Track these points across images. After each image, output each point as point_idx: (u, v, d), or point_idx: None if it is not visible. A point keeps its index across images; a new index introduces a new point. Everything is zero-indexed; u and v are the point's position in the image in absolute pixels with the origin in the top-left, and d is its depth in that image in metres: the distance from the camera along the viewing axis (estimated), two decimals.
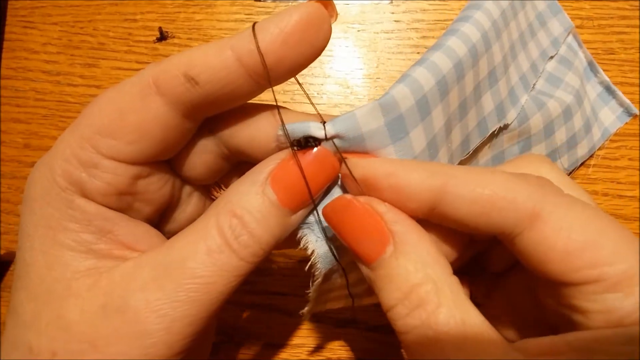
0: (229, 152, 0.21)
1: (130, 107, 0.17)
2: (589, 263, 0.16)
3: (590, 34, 0.41)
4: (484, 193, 0.17)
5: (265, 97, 0.19)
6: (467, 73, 0.25)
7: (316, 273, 0.20)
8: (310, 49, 0.17)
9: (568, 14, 0.41)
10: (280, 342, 0.35)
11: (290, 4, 0.42)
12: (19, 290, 0.18)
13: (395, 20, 0.42)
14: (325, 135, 0.18)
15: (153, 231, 0.20)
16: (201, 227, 0.18)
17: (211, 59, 0.17)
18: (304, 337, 0.35)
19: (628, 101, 0.38)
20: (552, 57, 0.37)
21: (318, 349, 0.35)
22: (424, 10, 0.42)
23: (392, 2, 0.42)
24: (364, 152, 0.19)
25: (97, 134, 0.17)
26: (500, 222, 0.17)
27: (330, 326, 0.35)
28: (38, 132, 0.40)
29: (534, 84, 0.35)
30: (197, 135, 0.20)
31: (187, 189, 0.23)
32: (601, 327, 0.16)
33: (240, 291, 0.35)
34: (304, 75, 0.40)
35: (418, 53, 0.41)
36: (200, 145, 0.21)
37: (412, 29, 0.41)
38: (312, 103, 0.20)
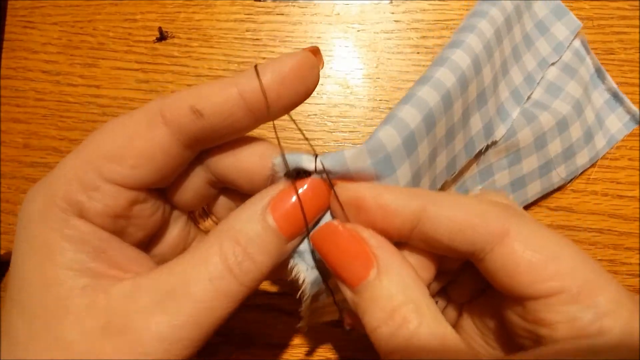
0: (216, 178, 0.22)
1: (137, 134, 0.19)
2: (552, 275, 0.17)
3: (590, 34, 0.41)
4: (459, 213, 0.19)
5: (261, 129, 0.21)
6: (456, 102, 0.25)
7: (304, 297, 0.21)
8: (303, 89, 0.19)
9: None
10: (280, 342, 0.35)
11: (290, 4, 0.42)
12: (14, 309, 0.18)
13: (395, 20, 0.42)
14: (316, 167, 0.20)
15: (143, 255, 0.21)
16: (203, 253, 0.18)
17: (217, 95, 0.19)
18: (303, 337, 0.35)
19: (635, 108, 0.38)
20: (553, 64, 0.37)
21: (318, 349, 0.35)
22: (424, 10, 0.42)
23: (392, 2, 0.42)
24: (351, 179, 0.21)
25: (103, 158, 0.19)
26: (473, 239, 0.18)
27: (329, 326, 0.35)
28: (38, 132, 0.40)
29: (529, 95, 0.35)
30: (189, 164, 0.22)
31: (174, 213, 0.24)
32: (565, 338, 0.17)
33: None
34: None
35: (418, 53, 0.41)
36: (191, 174, 0.22)
37: (412, 29, 0.41)
38: (305, 137, 0.22)
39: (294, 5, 0.42)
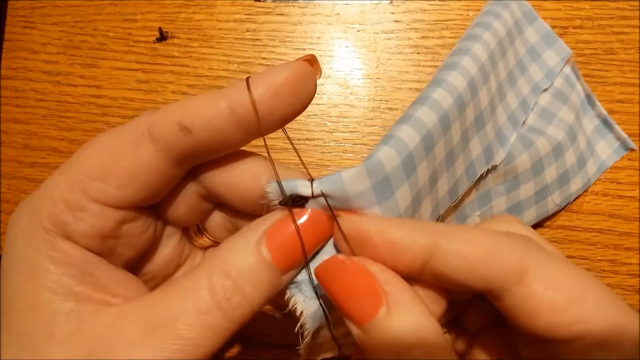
0: (209, 194, 0.21)
1: (122, 153, 0.18)
2: (575, 318, 0.16)
3: (590, 35, 0.41)
4: (472, 249, 0.17)
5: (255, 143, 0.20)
6: (454, 124, 0.25)
7: (305, 332, 0.20)
8: (298, 101, 0.18)
9: (568, 14, 0.41)
10: (279, 342, 0.35)
11: (290, 4, 0.42)
12: (2, 329, 0.17)
13: (395, 21, 0.42)
14: (312, 193, 0.19)
15: (132, 277, 0.20)
16: (192, 286, 0.18)
17: (206, 109, 0.18)
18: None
19: (625, 135, 0.38)
20: (545, 90, 0.37)
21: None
22: (424, 10, 0.42)
23: (392, 3, 0.42)
24: (353, 210, 0.20)
25: (88, 177, 0.18)
26: (489, 278, 0.17)
27: None
28: (38, 133, 0.40)
29: (524, 121, 0.35)
30: (181, 179, 0.21)
31: (167, 230, 0.23)
32: None
33: None
34: None
35: (418, 53, 0.41)
36: (183, 188, 0.21)
37: (412, 29, 0.41)
38: (299, 156, 0.21)
39: (294, 6, 0.42)
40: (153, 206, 0.21)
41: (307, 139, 0.39)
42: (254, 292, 0.18)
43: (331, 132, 0.39)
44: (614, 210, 0.38)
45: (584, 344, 0.16)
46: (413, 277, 0.19)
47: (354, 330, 0.18)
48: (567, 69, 0.39)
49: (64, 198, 0.18)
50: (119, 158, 0.18)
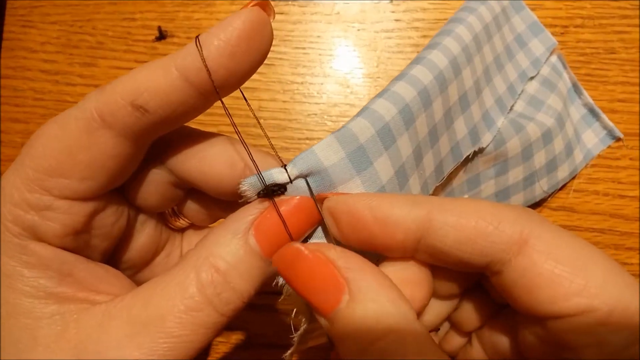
0: (180, 180, 0.21)
1: (78, 145, 0.17)
2: (579, 290, 0.15)
3: (591, 33, 0.41)
4: (469, 220, 0.16)
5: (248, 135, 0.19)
6: (435, 100, 0.25)
7: (302, 321, 0.19)
8: (256, 56, 0.17)
9: (569, 13, 0.41)
10: (278, 342, 0.35)
11: (290, 3, 0.42)
12: None
13: (395, 19, 0.42)
14: (290, 178, 0.18)
15: (113, 271, 0.20)
16: (180, 282, 0.17)
17: (158, 83, 0.16)
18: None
19: (611, 124, 0.38)
20: (532, 78, 0.37)
21: (316, 349, 0.35)
22: (424, 9, 0.42)
23: (392, 1, 0.42)
24: (339, 192, 0.19)
25: (46, 174, 0.17)
26: (487, 250, 0.16)
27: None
28: None
29: (512, 106, 0.35)
30: (149, 165, 0.20)
31: (141, 217, 0.22)
32: None
33: None
34: (303, 75, 0.40)
35: (418, 52, 0.40)
36: (152, 175, 0.20)
37: (413, 28, 0.41)
38: (271, 144, 0.20)
39: (293, 4, 0.42)
40: (123, 194, 0.21)
41: (307, 139, 0.39)
42: (244, 284, 0.17)
43: (331, 132, 0.39)
44: (615, 210, 0.37)
45: (587, 321, 0.15)
46: (409, 256, 0.18)
47: (321, 320, 0.17)
48: (554, 58, 0.39)
49: (25, 199, 0.17)
50: (76, 151, 0.17)
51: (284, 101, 0.39)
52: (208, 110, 0.18)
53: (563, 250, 0.16)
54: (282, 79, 0.40)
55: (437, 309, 0.21)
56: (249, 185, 0.18)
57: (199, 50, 0.16)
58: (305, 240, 0.20)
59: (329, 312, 0.16)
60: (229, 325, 0.37)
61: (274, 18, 0.17)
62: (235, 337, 0.35)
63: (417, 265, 0.18)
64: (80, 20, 0.42)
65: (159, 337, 0.16)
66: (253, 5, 0.16)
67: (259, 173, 0.18)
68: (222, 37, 0.16)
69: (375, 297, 0.16)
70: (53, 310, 0.17)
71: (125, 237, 0.22)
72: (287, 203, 0.18)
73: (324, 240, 0.20)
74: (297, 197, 0.18)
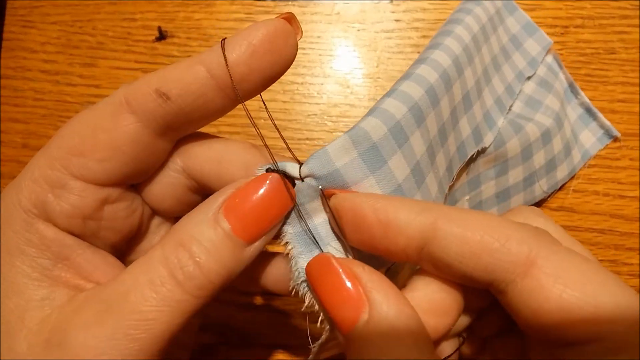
0: (198, 185, 0.21)
1: (101, 126, 0.18)
2: (589, 317, 0.14)
3: (591, 34, 0.41)
4: (475, 233, 0.16)
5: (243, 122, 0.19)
6: (442, 98, 0.25)
7: (325, 330, 0.19)
8: (278, 60, 0.18)
9: (569, 13, 0.41)
10: (278, 342, 0.35)
11: (289, 3, 0.42)
12: None
13: (395, 20, 0.42)
14: (300, 176, 0.19)
15: (112, 260, 0.20)
16: (147, 259, 0.17)
17: (183, 74, 0.17)
18: (301, 338, 0.35)
19: (608, 123, 0.38)
20: (529, 78, 0.37)
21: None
22: (425, 9, 0.42)
23: (392, 1, 0.42)
24: (349, 190, 0.19)
25: (69, 153, 0.17)
26: (491, 267, 0.15)
27: None
28: (37, 132, 0.40)
29: (510, 106, 0.35)
30: (167, 168, 0.21)
31: (157, 219, 0.23)
32: None
33: (237, 291, 0.35)
34: (303, 75, 0.40)
35: (418, 52, 0.41)
36: (170, 178, 0.21)
37: (413, 28, 0.41)
38: (282, 137, 0.21)
39: (293, 5, 0.42)
40: (139, 191, 0.21)
41: (307, 139, 0.39)
42: (211, 262, 0.17)
43: (331, 132, 0.39)
44: (615, 211, 0.37)
45: (596, 350, 0.14)
46: (412, 263, 0.18)
47: (339, 337, 0.17)
48: (550, 58, 0.39)
49: (45, 176, 0.17)
50: (99, 131, 0.18)
51: (284, 101, 0.40)
52: None
53: (572, 274, 0.15)
54: (282, 79, 0.40)
55: (461, 321, 0.20)
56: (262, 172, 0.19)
57: (222, 47, 0.17)
58: (283, 224, 0.19)
59: (347, 329, 0.16)
60: (229, 325, 0.37)
61: (300, 36, 0.18)
62: (235, 337, 0.35)
63: (448, 288, 0.18)
64: (81, 20, 0.42)
65: (122, 314, 0.16)
66: (280, 17, 0.18)
67: (274, 162, 0.19)
68: (246, 38, 0.17)
69: (393, 323, 0.15)
70: (44, 294, 0.17)
71: (138, 236, 0.22)
72: (261, 183, 0.18)
73: (333, 239, 0.20)
74: (271, 177, 0.18)
